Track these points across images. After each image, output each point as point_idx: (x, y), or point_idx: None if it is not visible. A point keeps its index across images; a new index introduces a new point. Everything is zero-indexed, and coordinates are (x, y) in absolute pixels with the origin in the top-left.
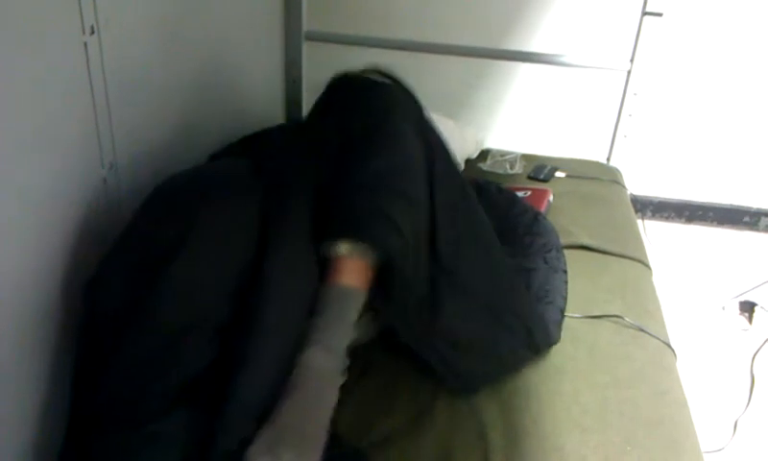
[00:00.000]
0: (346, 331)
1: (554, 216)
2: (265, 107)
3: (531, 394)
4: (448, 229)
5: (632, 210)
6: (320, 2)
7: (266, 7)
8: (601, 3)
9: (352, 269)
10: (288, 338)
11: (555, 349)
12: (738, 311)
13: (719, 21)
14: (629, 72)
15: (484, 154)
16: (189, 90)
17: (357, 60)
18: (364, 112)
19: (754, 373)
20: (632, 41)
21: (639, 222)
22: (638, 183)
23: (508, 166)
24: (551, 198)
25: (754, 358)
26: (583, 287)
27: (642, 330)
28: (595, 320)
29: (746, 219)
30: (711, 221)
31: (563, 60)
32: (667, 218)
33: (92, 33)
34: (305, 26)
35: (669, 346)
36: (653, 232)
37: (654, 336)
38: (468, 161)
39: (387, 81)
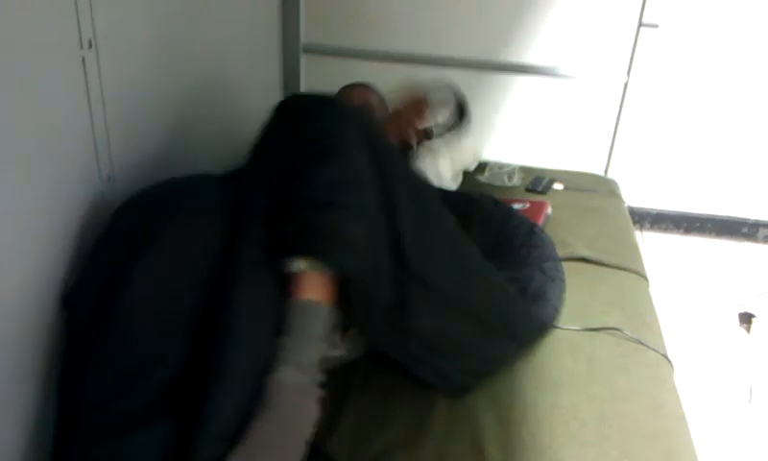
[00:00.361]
0: (314, 346)
1: (552, 228)
2: (263, 119)
3: (529, 407)
4: (417, 238)
5: (630, 222)
6: (317, 15)
7: (264, 20)
8: (597, 15)
9: (312, 284)
10: (258, 356)
11: (553, 361)
12: (737, 323)
13: (715, 32)
14: (626, 84)
15: (482, 166)
16: (187, 104)
17: (355, 72)
18: (305, 129)
19: (752, 384)
20: (628, 53)
21: (637, 234)
22: (636, 195)
23: (506, 178)
24: (549, 210)
25: (752, 370)
26: (581, 299)
27: (640, 343)
28: (593, 332)
29: (744, 230)
30: (710, 232)
31: (560, 71)
32: (665, 229)
33: (90, 47)
34: (303, 39)
35: (667, 358)
36: (651, 244)
37: (652, 349)
38: (466, 173)
39: (333, 98)
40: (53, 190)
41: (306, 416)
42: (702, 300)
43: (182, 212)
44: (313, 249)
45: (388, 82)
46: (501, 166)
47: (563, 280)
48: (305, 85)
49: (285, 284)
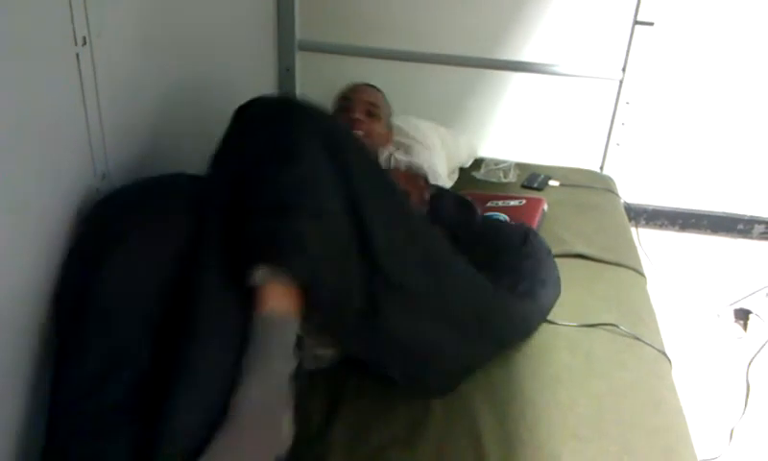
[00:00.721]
0: (282, 358)
1: (548, 225)
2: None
3: (526, 403)
4: (387, 239)
5: (625, 219)
6: (313, 12)
7: (259, 17)
8: (593, 13)
9: (275, 294)
10: (223, 358)
11: (551, 357)
12: (733, 319)
13: (710, 30)
14: (621, 81)
15: (478, 162)
16: (182, 101)
17: (350, 69)
18: (260, 132)
19: (749, 380)
20: (623, 51)
21: (633, 230)
22: (632, 192)
23: (502, 175)
24: (545, 207)
25: (749, 366)
26: (577, 296)
27: (637, 339)
28: (590, 328)
29: (740, 227)
30: (705, 229)
31: (555, 69)
32: (661, 226)
33: (84, 44)
34: (298, 36)
35: (664, 354)
36: (647, 241)
37: (649, 344)
38: (461, 170)
39: (291, 100)
40: (47, 187)
41: (272, 433)
42: (698, 296)
43: (151, 212)
44: (268, 256)
45: (384, 79)
46: (497, 163)
47: (557, 286)
48: (300, 83)
49: (250, 295)
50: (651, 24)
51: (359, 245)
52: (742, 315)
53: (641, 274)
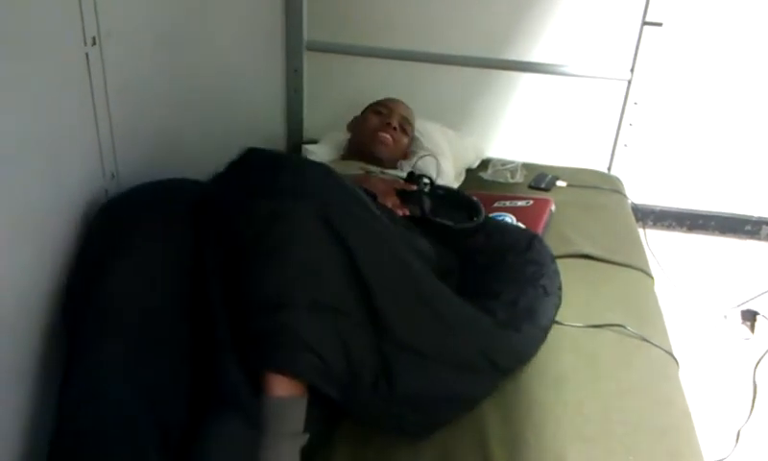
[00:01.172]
0: (290, 444)
1: (555, 225)
2: (266, 117)
3: (533, 404)
4: (394, 305)
5: (633, 219)
6: (321, 12)
7: (267, 17)
8: (601, 13)
9: (283, 380)
10: None
11: (557, 358)
12: (740, 320)
13: (719, 31)
14: (629, 82)
15: (485, 163)
16: (190, 101)
17: (358, 70)
18: (255, 209)
19: (756, 382)
20: (632, 51)
21: (641, 231)
22: (639, 193)
23: (509, 175)
24: (553, 207)
25: (756, 367)
26: (584, 296)
27: (645, 340)
28: (597, 329)
29: (747, 228)
30: (713, 230)
31: (563, 69)
32: (669, 227)
33: (94, 44)
34: (306, 36)
35: (672, 355)
36: (654, 242)
37: (656, 345)
38: (468, 171)
39: (296, 161)
40: (56, 187)
41: None
42: (705, 297)
43: (156, 218)
44: (271, 362)
45: (392, 80)
46: (504, 163)
47: (559, 296)
48: (308, 84)
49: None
50: (660, 25)
51: (366, 311)
52: (749, 316)
53: (649, 275)
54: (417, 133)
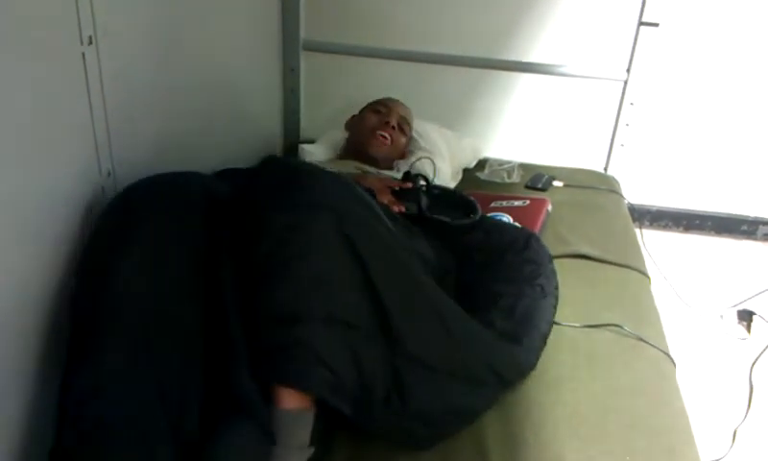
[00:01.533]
0: (299, 453)
1: (552, 225)
2: (263, 116)
3: (531, 404)
4: (406, 319)
5: (629, 219)
6: (318, 12)
7: (264, 16)
8: (598, 13)
9: (293, 393)
10: None
11: (554, 358)
12: (737, 320)
13: (715, 31)
14: (626, 82)
15: (482, 163)
16: (186, 100)
17: (355, 69)
18: (270, 220)
19: (752, 382)
20: (628, 51)
21: (637, 231)
22: (636, 193)
23: (505, 175)
24: (549, 207)
25: (752, 367)
26: (581, 296)
27: (641, 340)
28: (594, 329)
29: (744, 228)
30: (709, 230)
31: (560, 70)
32: (665, 227)
33: (90, 43)
34: (303, 35)
35: (668, 355)
36: (651, 241)
37: (653, 345)
38: (465, 171)
39: (302, 175)
40: (52, 186)
41: None
42: (701, 297)
43: (164, 214)
44: (283, 377)
45: (388, 80)
46: (501, 163)
47: (555, 296)
48: (305, 83)
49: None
50: (656, 25)
51: (379, 325)
52: (746, 316)
53: (645, 275)
54: (414, 134)
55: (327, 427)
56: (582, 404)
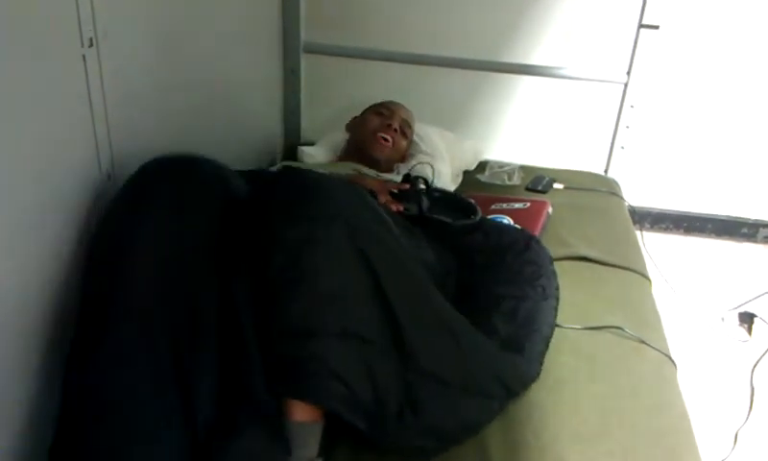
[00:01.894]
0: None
1: (552, 228)
2: (263, 118)
3: (532, 406)
4: (418, 333)
5: (630, 222)
6: (318, 14)
7: (264, 19)
8: (598, 16)
9: (305, 406)
10: None
11: (555, 360)
12: (738, 322)
13: (715, 34)
14: (626, 84)
15: (482, 165)
16: (187, 102)
17: (356, 72)
18: (288, 238)
19: (754, 384)
20: (629, 54)
21: (638, 233)
22: (636, 195)
23: (506, 177)
24: (550, 210)
25: (754, 369)
26: (582, 298)
27: (642, 342)
28: (595, 331)
29: (744, 230)
30: (710, 232)
31: (560, 72)
32: (666, 229)
33: (91, 45)
34: (303, 38)
35: (669, 357)
36: (651, 244)
37: (654, 348)
38: (466, 173)
39: (326, 184)
40: (53, 187)
41: None
42: (702, 300)
43: (176, 201)
44: (296, 392)
45: (389, 82)
46: (501, 165)
47: (556, 298)
48: (306, 85)
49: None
50: (656, 27)
51: (392, 338)
52: (747, 319)
53: (646, 277)
54: (415, 137)
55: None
56: (583, 406)
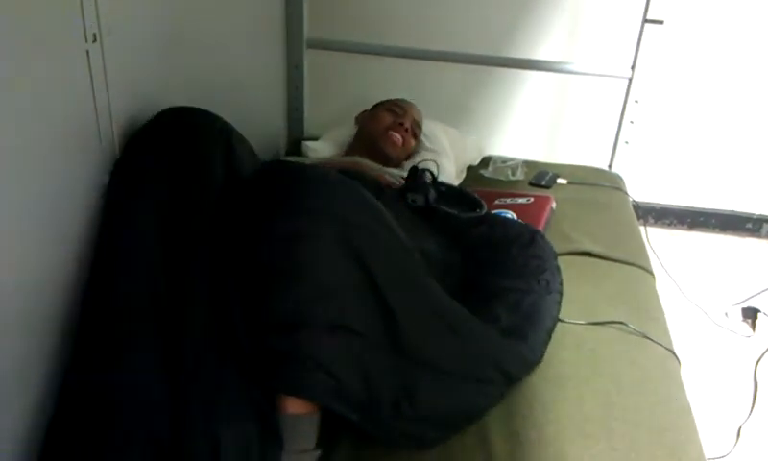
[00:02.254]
0: (306, 454)
1: (556, 223)
2: (267, 114)
3: (534, 401)
4: (413, 324)
5: (634, 217)
6: (321, 9)
7: (267, 14)
8: (602, 11)
9: (295, 399)
10: None
11: (558, 355)
12: (741, 318)
13: (720, 29)
14: (630, 79)
15: (485, 160)
16: (191, 98)
17: (359, 67)
18: (272, 229)
19: (757, 379)
20: (633, 49)
21: (642, 228)
22: (640, 190)
23: (510, 172)
24: (554, 205)
25: (757, 365)
26: (586, 293)
27: (646, 337)
28: (598, 326)
29: (748, 226)
30: (714, 228)
31: (564, 67)
32: (669, 225)
33: (94, 41)
34: (307, 33)
35: (673, 352)
36: (655, 239)
37: (657, 343)
38: (469, 168)
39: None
40: (57, 184)
41: None
42: (706, 295)
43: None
44: (285, 387)
45: (393, 77)
46: (505, 160)
47: (560, 292)
48: (309, 81)
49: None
50: (661, 22)
51: (385, 331)
52: (750, 314)
53: (650, 272)
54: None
55: (330, 429)
56: (586, 401)
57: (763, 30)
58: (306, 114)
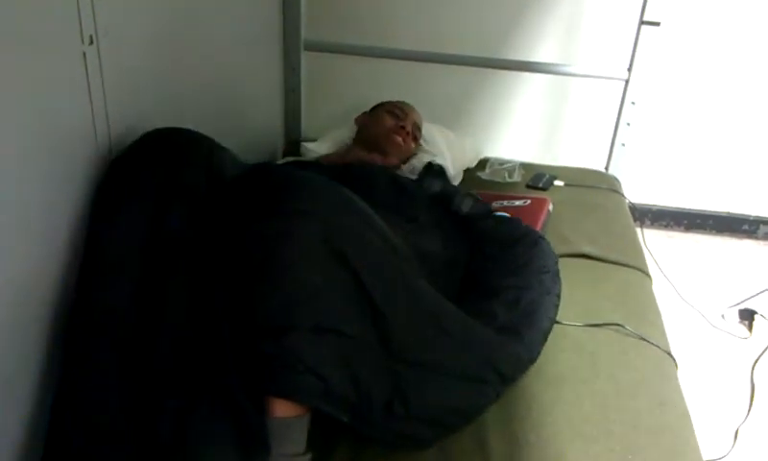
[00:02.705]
0: (295, 457)
1: (553, 225)
2: (264, 116)
3: (532, 402)
4: (404, 324)
5: (630, 219)
6: (319, 11)
7: (265, 16)
8: (599, 12)
9: (285, 402)
10: None
11: (556, 357)
12: (738, 319)
13: (716, 30)
14: (627, 81)
15: (482, 162)
16: (188, 100)
17: (356, 69)
18: (261, 233)
19: (754, 381)
20: (629, 50)
21: (638, 230)
22: (637, 192)
23: (506, 175)
24: (550, 207)
25: (754, 366)
26: (583, 295)
27: (643, 339)
28: (596, 328)
29: (745, 227)
30: (710, 229)
31: (561, 69)
32: (666, 226)
33: (91, 43)
34: (304, 35)
35: (670, 354)
36: (652, 241)
37: (655, 345)
38: (466, 170)
39: (301, 180)
40: (53, 185)
41: None
42: (703, 297)
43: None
44: (274, 390)
45: (390, 79)
46: (502, 162)
47: (558, 295)
48: (306, 83)
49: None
50: (657, 24)
51: (375, 331)
52: (747, 316)
53: (646, 274)
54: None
55: (328, 432)
56: (583, 403)
57: (760, 32)
58: (303, 116)
